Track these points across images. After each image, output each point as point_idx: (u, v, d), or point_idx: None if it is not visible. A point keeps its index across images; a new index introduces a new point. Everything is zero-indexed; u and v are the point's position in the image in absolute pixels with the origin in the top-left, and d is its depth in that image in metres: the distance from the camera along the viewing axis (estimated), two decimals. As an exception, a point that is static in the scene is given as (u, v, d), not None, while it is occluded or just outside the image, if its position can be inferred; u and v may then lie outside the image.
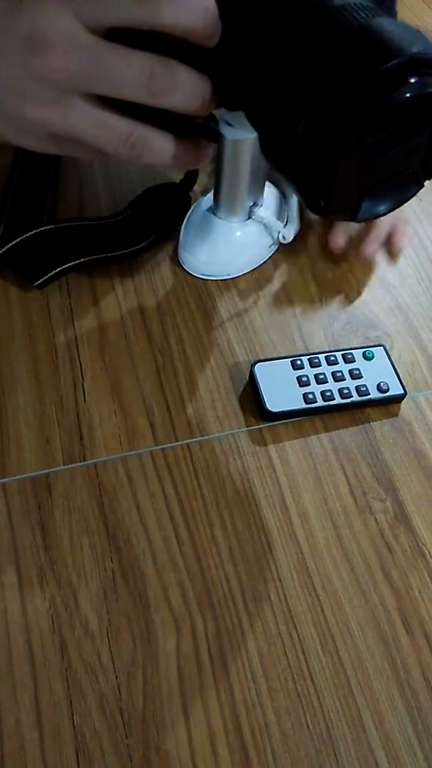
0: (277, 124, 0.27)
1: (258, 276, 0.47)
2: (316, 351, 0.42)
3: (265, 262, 0.47)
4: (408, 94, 0.24)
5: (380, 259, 0.48)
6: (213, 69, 0.28)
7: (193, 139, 0.31)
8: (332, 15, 0.26)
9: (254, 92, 0.29)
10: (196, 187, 0.48)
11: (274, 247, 0.47)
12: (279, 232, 0.46)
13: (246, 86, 0.29)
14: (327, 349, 0.43)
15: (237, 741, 0.29)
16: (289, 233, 0.47)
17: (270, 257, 0.47)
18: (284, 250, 0.48)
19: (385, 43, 0.24)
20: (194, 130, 0.32)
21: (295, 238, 0.47)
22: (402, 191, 0.29)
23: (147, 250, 0.45)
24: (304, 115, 0.25)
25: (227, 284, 0.46)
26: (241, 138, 0.37)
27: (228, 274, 0.46)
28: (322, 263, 0.48)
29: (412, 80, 0.24)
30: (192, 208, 0.46)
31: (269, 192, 0.46)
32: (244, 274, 0.46)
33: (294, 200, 0.49)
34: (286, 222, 0.46)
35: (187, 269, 0.45)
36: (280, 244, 0.47)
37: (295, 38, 0.27)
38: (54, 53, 0.26)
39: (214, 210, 0.44)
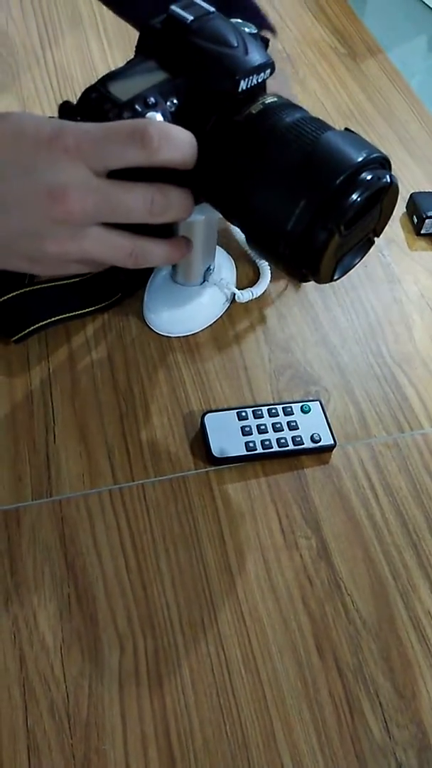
0: (264, 224, 0.35)
1: (216, 333, 0.53)
2: (261, 403, 0.48)
3: (220, 316, 0.53)
4: (367, 189, 0.33)
5: (324, 320, 0.55)
6: (189, 181, 0.35)
7: (175, 238, 0.38)
8: (290, 132, 0.34)
9: (232, 198, 0.36)
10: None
11: (228, 304, 0.53)
12: (233, 293, 0.52)
13: (218, 190, 0.36)
14: (271, 401, 0.49)
15: (165, 744, 0.35)
16: (245, 296, 0.53)
17: (225, 312, 0.53)
18: (241, 310, 0.54)
19: (344, 153, 0.33)
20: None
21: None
22: (362, 250, 0.38)
23: (113, 306, 0.52)
24: (291, 217, 0.33)
25: (188, 340, 0.52)
26: (193, 220, 0.43)
27: (188, 332, 0.52)
28: (272, 322, 0.54)
29: (369, 177, 0.33)
30: (154, 272, 0.52)
31: (220, 256, 0.53)
32: (203, 330, 0.52)
33: (267, 273, 0.55)
34: (236, 282, 0.53)
35: (151, 327, 0.51)
36: (233, 300, 0.53)
37: (263, 153, 0.34)
38: (72, 200, 0.31)
39: (172, 276, 0.50)
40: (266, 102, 0.35)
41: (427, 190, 0.65)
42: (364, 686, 0.37)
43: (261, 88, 0.36)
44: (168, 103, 0.35)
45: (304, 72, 0.79)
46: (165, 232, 0.38)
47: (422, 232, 0.61)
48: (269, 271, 0.56)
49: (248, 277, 0.56)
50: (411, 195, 0.63)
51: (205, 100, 0.35)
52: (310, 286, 0.57)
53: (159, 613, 0.39)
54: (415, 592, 0.41)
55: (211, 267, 0.50)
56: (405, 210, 0.64)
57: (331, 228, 0.32)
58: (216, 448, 0.45)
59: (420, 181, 0.67)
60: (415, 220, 0.62)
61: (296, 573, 0.41)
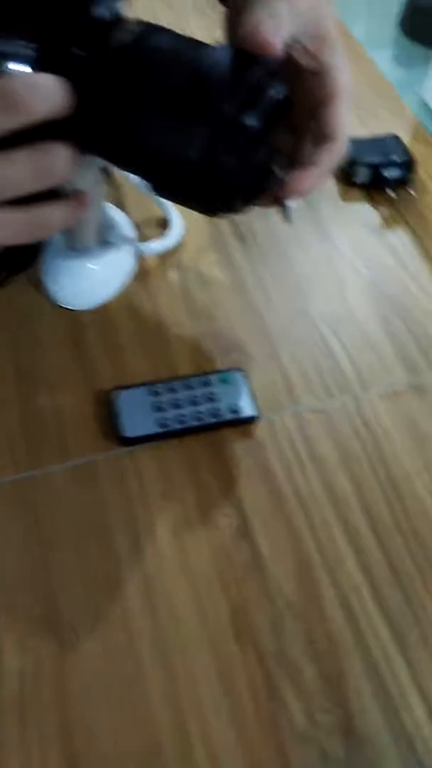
0: (165, 160, 0.32)
1: (131, 303, 0.49)
2: (178, 376, 0.45)
3: (131, 278, 0.49)
4: (263, 102, 0.30)
5: (250, 282, 0.51)
6: (68, 132, 0.31)
7: (70, 194, 0.34)
8: (168, 56, 0.31)
9: (122, 142, 0.33)
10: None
11: (135, 261, 0.50)
12: (140, 249, 0.49)
13: (104, 137, 0.33)
14: (191, 373, 0.45)
15: (69, 748, 0.32)
16: (154, 248, 0.50)
17: (135, 272, 0.50)
18: (159, 276, 0.50)
19: (232, 68, 0.30)
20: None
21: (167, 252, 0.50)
22: (274, 171, 0.35)
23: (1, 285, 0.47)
24: (192, 145, 0.30)
25: (99, 311, 0.48)
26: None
27: (98, 301, 0.48)
28: (193, 287, 0.50)
29: (264, 89, 0.30)
30: (48, 242, 0.48)
31: (113, 212, 0.49)
32: (115, 298, 0.49)
33: (177, 223, 0.51)
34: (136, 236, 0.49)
35: (57, 302, 0.47)
36: (142, 258, 0.50)
37: (145, 84, 0.31)
38: None
39: (67, 243, 0.46)
40: (133, 29, 0.32)
41: (360, 136, 0.61)
42: (287, 672, 0.35)
43: (121, 14, 0.32)
44: (24, 52, 0.31)
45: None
46: (53, 195, 0.34)
47: (356, 181, 0.58)
48: (179, 221, 0.52)
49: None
50: (342, 143, 0.59)
51: (64, 37, 0.31)
52: (234, 248, 0.53)
53: (66, 609, 0.36)
54: (342, 567, 0.38)
55: (107, 225, 0.46)
56: (337, 160, 0.60)
57: (237, 148, 0.30)
58: (127, 427, 0.41)
59: (353, 125, 0.62)
60: (348, 168, 0.58)
61: (215, 555, 0.38)
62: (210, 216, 0.36)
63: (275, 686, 0.34)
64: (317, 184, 0.35)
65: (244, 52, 0.32)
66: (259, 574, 0.37)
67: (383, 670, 0.35)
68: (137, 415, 0.42)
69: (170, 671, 0.34)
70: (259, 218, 0.54)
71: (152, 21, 0.31)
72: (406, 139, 0.61)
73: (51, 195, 0.33)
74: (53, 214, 0.33)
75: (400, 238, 0.54)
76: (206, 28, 0.69)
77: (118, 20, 0.32)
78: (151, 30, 0.32)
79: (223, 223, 0.54)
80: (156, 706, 0.33)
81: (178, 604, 0.36)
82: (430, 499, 0.41)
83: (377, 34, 0.78)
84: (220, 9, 0.37)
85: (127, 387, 0.43)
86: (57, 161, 0.30)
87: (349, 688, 0.34)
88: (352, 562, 0.38)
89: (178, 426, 0.42)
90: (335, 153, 0.36)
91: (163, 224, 0.53)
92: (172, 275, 0.51)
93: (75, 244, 0.46)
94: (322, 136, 0.36)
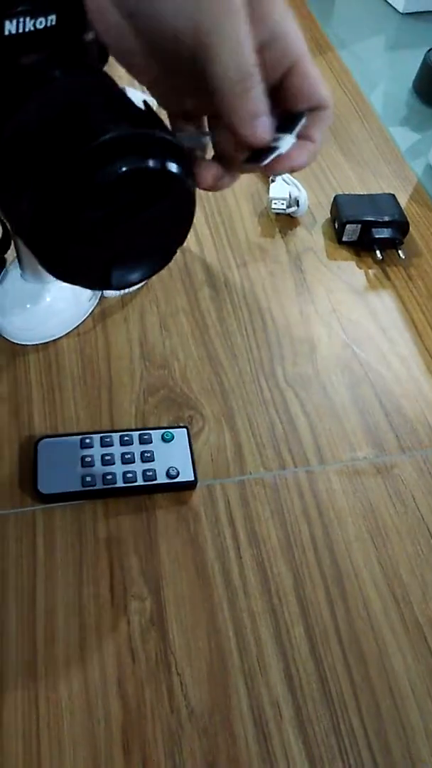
0: (6, 199, 0.27)
1: (83, 343, 0.45)
2: (116, 429, 0.41)
3: (88, 316, 0.46)
4: (123, 168, 0.24)
5: (215, 334, 0.47)
6: None
7: None
8: (57, 90, 0.27)
9: None
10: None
11: (95, 300, 0.46)
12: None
13: None
14: (133, 427, 0.41)
15: None
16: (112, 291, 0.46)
17: (92, 311, 0.46)
18: (119, 317, 0.47)
19: (96, 123, 0.25)
20: None
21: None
22: (153, 262, 0.29)
23: None
24: (25, 193, 0.25)
25: (47, 348, 0.45)
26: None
27: (47, 338, 0.44)
28: (154, 333, 0.46)
29: (130, 155, 0.24)
30: (4, 272, 0.45)
31: None
32: (67, 335, 0.45)
33: None
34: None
35: (3, 335, 0.44)
36: (104, 297, 0.47)
37: (18, 110, 0.27)
38: None
39: (22, 273, 0.43)
40: (44, 53, 0.28)
41: (354, 193, 0.58)
42: (178, 799, 0.29)
43: (43, 39, 0.29)
44: None
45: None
46: None
47: (344, 239, 0.54)
48: None
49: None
50: (335, 197, 0.56)
51: None
52: (205, 297, 0.49)
53: None
54: (263, 674, 0.33)
55: None
56: (329, 214, 0.57)
57: (77, 212, 0.24)
58: (45, 481, 0.37)
59: (351, 182, 0.60)
60: (336, 225, 0.55)
61: (117, 644, 0.33)
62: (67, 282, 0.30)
63: None
64: (312, 159, 0.30)
65: (126, 104, 0.27)
66: (164, 673, 0.32)
67: None
68: (60, 468, 0.38)
69: (38, 783, 0.29)
70: (239, 268, 0.51)
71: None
72: (404, 200, 0.58)
73: None
74: None
75: (383, 302, 0.50)
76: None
77: (34, 45, 0.29)
78: (62, 58, 0.29)
79: (198, 269, 0.51)
80: None
81: (62, 698, 0.31)
82: (379, 601, 0.35)
83: (395, 97, 0.77)
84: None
85: (57, 435, 0.39)
86: None
87: None
88: (276, 671, 0.33)
89: (103, 485, 0.37)
90: (328, 121, 0.30)
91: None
92: (134, 318, 0.48)
93: (30, 275, 0.43)
94: (314, 108, 0.29)
